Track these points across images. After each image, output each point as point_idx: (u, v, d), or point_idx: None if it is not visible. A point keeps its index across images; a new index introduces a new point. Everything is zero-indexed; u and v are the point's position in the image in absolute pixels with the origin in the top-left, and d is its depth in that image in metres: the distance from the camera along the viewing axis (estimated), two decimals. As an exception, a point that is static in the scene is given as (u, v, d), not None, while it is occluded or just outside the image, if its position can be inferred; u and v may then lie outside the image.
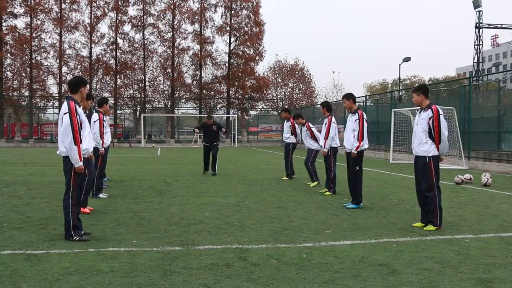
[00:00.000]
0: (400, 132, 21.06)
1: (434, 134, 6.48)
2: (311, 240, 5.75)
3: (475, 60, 51.08)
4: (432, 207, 6.48)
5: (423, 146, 6.56)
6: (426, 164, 6.52)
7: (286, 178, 13.03)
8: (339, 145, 10.34)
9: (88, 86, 6.07)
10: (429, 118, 6.50)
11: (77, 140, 5.58)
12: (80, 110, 5.78)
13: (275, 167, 17.38)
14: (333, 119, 10.10)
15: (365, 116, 8.40)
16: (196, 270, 4.48)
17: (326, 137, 10.02)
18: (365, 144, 8.36)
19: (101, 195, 9.25)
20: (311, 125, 12.21)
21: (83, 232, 5.77)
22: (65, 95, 45.49)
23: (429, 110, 6.53)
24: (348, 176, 8.61)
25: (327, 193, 10.02)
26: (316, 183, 11.51)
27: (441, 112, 6.55)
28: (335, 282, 4.19)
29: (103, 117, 9.29)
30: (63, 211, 5.70)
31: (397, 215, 7.54)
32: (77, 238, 5.59)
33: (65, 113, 5.59)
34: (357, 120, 8.29)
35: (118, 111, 49.45)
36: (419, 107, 6.82)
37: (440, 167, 6.73)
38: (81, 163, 5.64)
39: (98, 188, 9.24)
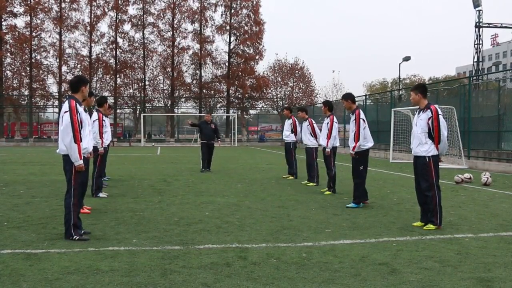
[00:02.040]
0: (400, 132, 21.05)
1: (433, 134, 6.46)
2: (311, 239, 5.75)
3: (475, 60, 51.10)
4: (432, 207, 6.48)
5: (422, 146, 6.54)
6: (426, 164, 6.51)
7: (292, 177, 13.01)
8: (339, 144, 10.36)
9: (88, 85, 6.07)
10: (429, 119, 6.48)
11: (77, 139, 5.59)
12: (81, 109, 5.79)
13: (275, 166, 17.38)
14: (335, 119, 10.14)
15: (362, 116, 8.26)
16: (196, 269, 4.48)
17: (328, 137, 10.01)
18: (369, 143, 8.30)
19: (101, 194, 9.25)
20: (313, 122, 12.17)
21: (83, 231, 5.77)
22: (66, 94, 45.50)
23: (428, 110, 6.51)
24: (352, 175, 8.58)
25: (327, 192, 10.02)
26: (315, 184, 11.47)
27: (440, 112, 6.54)
28: (335, 281, 4.19)
29: (102, 117, 9.30)
30: (64, 210, 5.70)
31: (397, 214, 7.54)
32: (77, 238, 5.59)
33: (65, 112, 5.61)
34: (354, 121, 8.26)
35: (118, 110, 49.45)
36: (418, 107, 6.81)
37: (440, 167, 6.72)
38: (81, 162, 5.65)
39: (98, 187, 9.24)
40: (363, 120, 8.31)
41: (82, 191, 6.59)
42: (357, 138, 8.15)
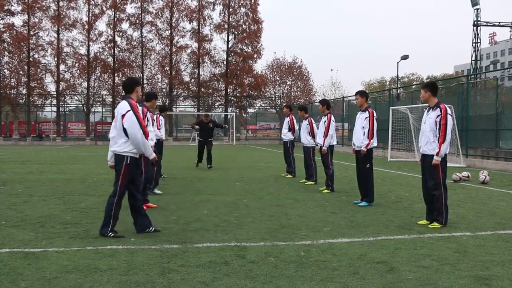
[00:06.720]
0: (398, 130, 21.08)
1: (439, 133, 6.43)
2: (309, 238, 5.75)
3: (473, 58, 51.12)
4: (438, 205, 6.47)
5: (430, 144, 6.52)
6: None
7: (291, 176, 13.01)
8: (336, 143, 10.39)
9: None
10: (437, 117, 6.47)
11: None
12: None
13: (273, 165, 17.38)
14: (333, 117, 10.16)
15: (375, 114, 8.37)
16: (194, 268, 4.48)
17: (325, 135, 10.04)
18: (374, 142, 8.34)
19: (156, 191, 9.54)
20: (313, 121, 12.15)
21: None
22: (64, 93, 45.39)
23: (438, 109, 6.50)
24: (357, 174, 8.58)
25: (325, 191, 10.02)
26: (313, 182, 11.48)
27: (449, 111, 6.52)
28: (333, 279, 4.19)
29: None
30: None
31: (395, 213, 7.55)
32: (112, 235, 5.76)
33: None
34: (367, 118, 8.29)
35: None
36: (427, 105, 6.79)
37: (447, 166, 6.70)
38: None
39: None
40: (377, 119, 8.43)
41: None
42: (371, 135, 8.22)
